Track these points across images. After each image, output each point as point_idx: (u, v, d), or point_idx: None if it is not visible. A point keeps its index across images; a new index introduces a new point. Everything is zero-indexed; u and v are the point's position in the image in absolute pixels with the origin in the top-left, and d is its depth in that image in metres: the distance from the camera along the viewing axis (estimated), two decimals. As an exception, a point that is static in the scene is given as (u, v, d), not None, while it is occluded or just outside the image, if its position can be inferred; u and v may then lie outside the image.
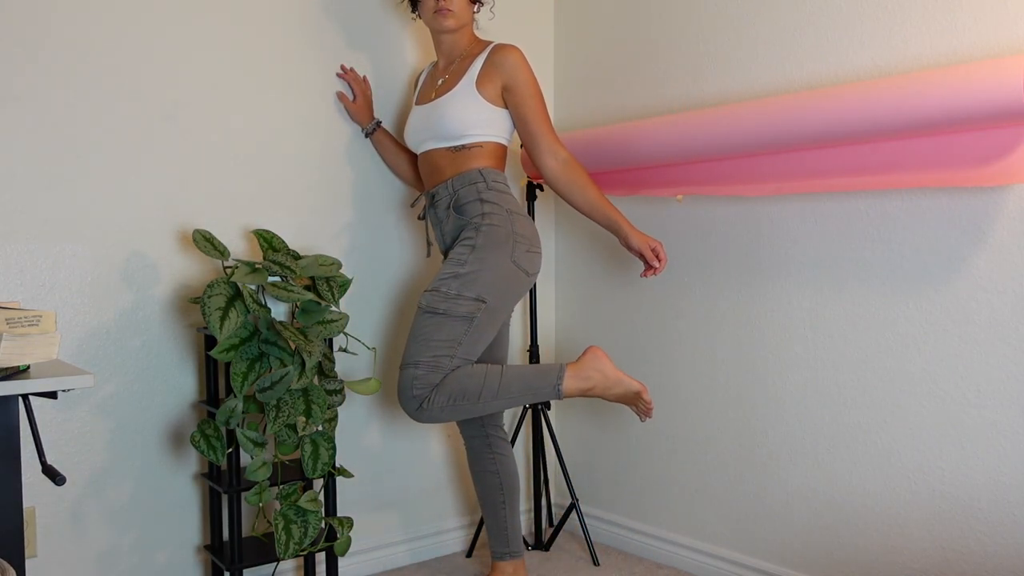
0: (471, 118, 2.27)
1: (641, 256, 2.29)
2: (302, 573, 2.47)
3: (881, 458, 2.16)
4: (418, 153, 2.39)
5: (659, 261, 2.27)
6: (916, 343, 2.09)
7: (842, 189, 2.11)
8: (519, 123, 2.31)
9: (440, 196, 2.30)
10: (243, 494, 2.19)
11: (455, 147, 2.29)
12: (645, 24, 2.71)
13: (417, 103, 2.41)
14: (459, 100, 2.28)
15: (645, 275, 2.31)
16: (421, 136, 2.34)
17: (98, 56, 2.16)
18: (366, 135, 2.59)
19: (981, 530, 1.99)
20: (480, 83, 2.27)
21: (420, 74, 2.52)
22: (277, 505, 2.38)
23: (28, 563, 2.08)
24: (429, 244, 2.46)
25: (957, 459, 2.02)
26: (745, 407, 2.47)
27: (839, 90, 2.01)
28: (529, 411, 2.87)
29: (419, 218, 2.48)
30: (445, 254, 2.33)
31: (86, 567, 2.18)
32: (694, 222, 2.58)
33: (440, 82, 2.35)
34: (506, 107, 2.30)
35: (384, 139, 2.60)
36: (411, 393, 2.14)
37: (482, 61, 2.29)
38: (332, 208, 2.57)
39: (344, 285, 2.28)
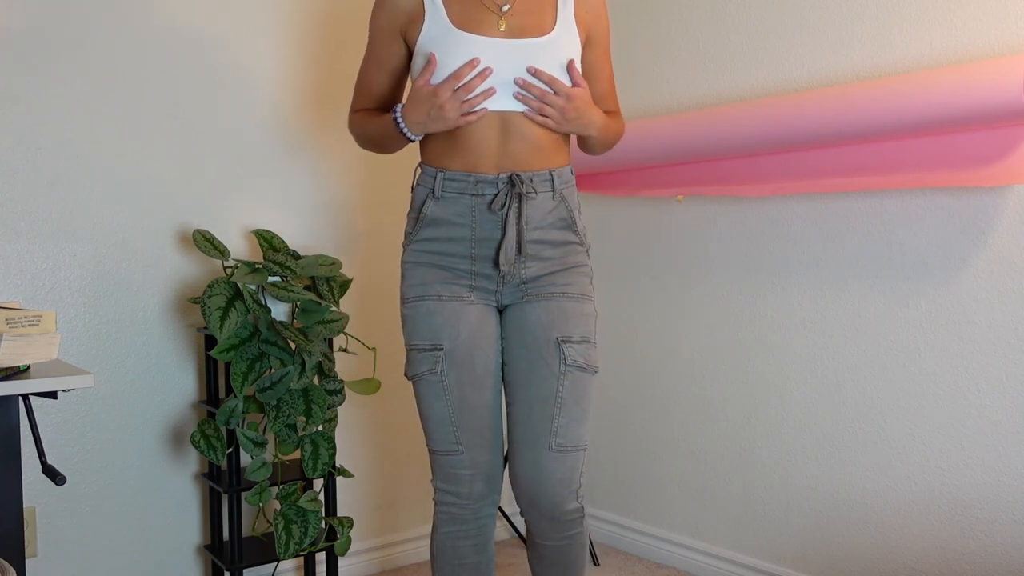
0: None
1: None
2: (302, 573, 2.47)
3: (881, 458, 2.16)
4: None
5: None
6: (916, 343, 2.09)
7: (842, 189, 2.11)
8: (593, 82, 1.73)
9: (537, 188, 1.63)
10: (243, 494, 2.19)
11: None
12: (644, 25, 2.71)
13: (466, 29, 1.60)
14: (569, 47, 1.63)
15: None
16: (502, 86, 1.59)
17: (97, 56, 2.17)
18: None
19: (981, 530, 1.99)
20: (578, 29, 1.66)
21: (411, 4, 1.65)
22: (277, 505, 2.38)
23: (28, 563, 2.08)
24: (509, 249, 1.61)
25: (957, 459, 2.02)
26: (745, 407, 2.47)
27: (839, 90, 2.01)
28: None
29: (499, 209, 1.61)
30: (496, 263, 1.63)
31: (86, 567, 2.18)
32: (694, 222, 2.58)
33: (506, 8, 1.61)
34: None
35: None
36: (576, 489, 1.67)
37: (572, 2, 1.66)
38: (332, 208, 2.57)
39: (344, 285, 2.28)
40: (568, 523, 1.68)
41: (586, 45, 1.71)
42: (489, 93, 1.57)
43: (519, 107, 1.60)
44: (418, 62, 1.63)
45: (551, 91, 1.59)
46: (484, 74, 1.55)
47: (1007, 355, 1.94)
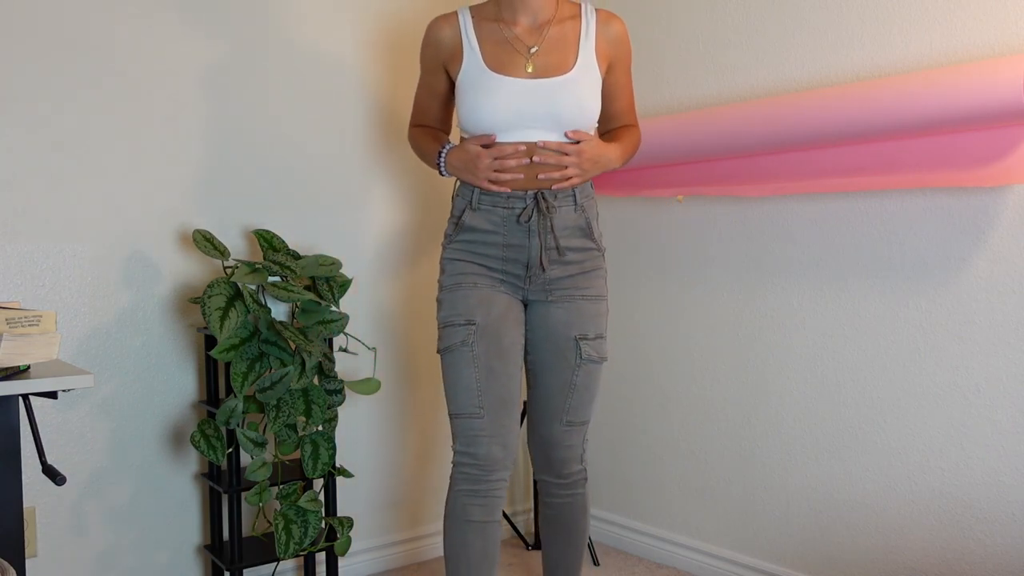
0: (597, 108, 1.87)
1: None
2: (302, 573, 2.48)
3: (881, 458, 2.16)
4: (505, 141, 1.82)
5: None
6: (916, 343, 2.09)
7: (842, 189, 2.11)
8: (617, 99, 1.97)
9: (560, 203, 1.86)
10: (243, 494, 2.19)
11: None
12: (645, 24, 2.71)
13: (498, 71, 1.83)
14: (587, 85, 1.84)
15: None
16: (529, 121, 1.81)
17: (98, 56, 2.16)
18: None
19: (981, 530, 1.99)
20: (598, 62, 1.88)
21: (453, 25, 1.89)
22: (277, 505, 2.38)
23: (28, 563, 2.08)
24: (546, 254, 1.87)
25: (957, 459, 2.02)
26: (745, 407, 2.47)
27: (840, 90, 2.01)
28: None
29: (525, 221, 1.85)
30: (529, 267, 1.88)
31: (86, 567, 2.18)
32: (694, 222, 2.58)
33: (534, 50, 1.83)
34: None
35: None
36: (580, 454, 1.98)
37: (593, 30, 1.87)
38: (332, 208, 2.57)
39: (344, 285, 2.28)
40: (573, 482, 2.00)
41: (609, 70, 1.92)
42: (517, 176, 1.81)
43: (545, 137, 1.81)
44: (461, 100, 1.86)
45: (564, 154, 1.82)
46: (520, 157, 1.80)
47: (1007, 355, 1.94)
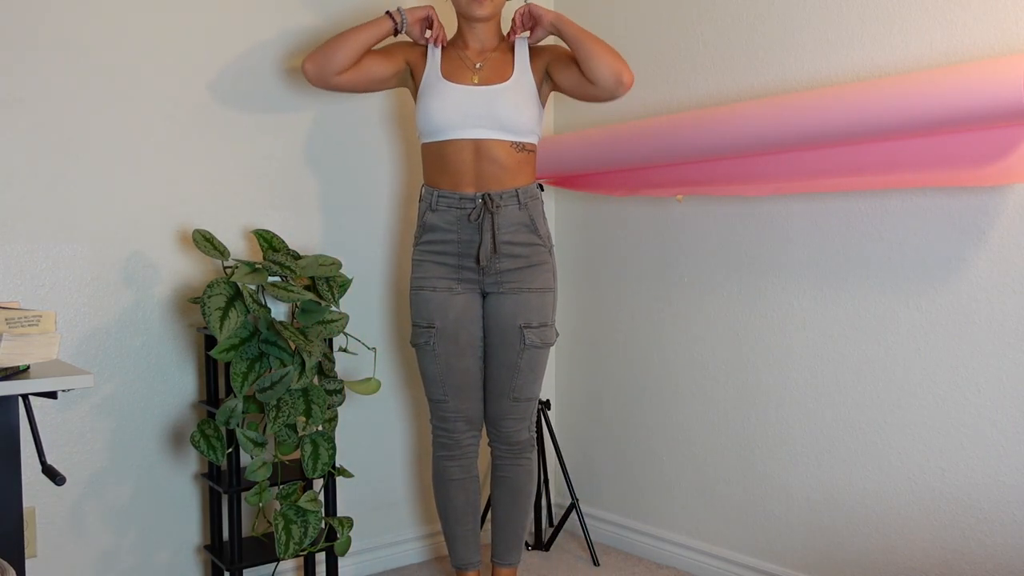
0: (534, 113, 2.19)
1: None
2: (302, 573, 2.47)
3: (881, 458, 2.16)
4: (454, 137, 2.16)
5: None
6: (916, 343, 2.09)
7: (842, 189, 2.11)
8: (574, 68, 2.18)
9: (504, 203, 2.16)
10: (243, 494, 2.19)
11: (518, 144, 2.18)
12: (645, 24, 2.71)
13: (449, 79, 2.19)
14: (523, 92, 2.19)
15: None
16: (474, 120, 2.14)
17: (98, 56, 2.17)
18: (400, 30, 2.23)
19: (981, 530, 1.99)
20: (534, 78, 2.22)
21: (420, 49, 2.27)
22: (277, 505, 2.38)
23: (28, 563, 2.08)
24: (483, 249, 2.16)
25: (957, 459, 2.03)
26: (745, 407, 2.47)
27: (839, 90, 2.01)
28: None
29: (475, 220, 2.16)
30: (479, 260, 2.16)
31: (86, 567, 2.18)
32: (694, 222, 2.58)
33: (479, 66, 2.21)
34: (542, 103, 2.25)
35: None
36: (528, 425, 2.29)
37: (526, 52, 2.24)
38: (332, 208, 2.57)
39: (344, 285, 2.28)
40: (521, 450, 2.29)
41: (552, 63, 2.22)
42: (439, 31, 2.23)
43: (488, 135, 2.14)
44: (420, 102, 2.20)
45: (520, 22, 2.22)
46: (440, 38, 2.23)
47: (1007, 355, 1.94)
